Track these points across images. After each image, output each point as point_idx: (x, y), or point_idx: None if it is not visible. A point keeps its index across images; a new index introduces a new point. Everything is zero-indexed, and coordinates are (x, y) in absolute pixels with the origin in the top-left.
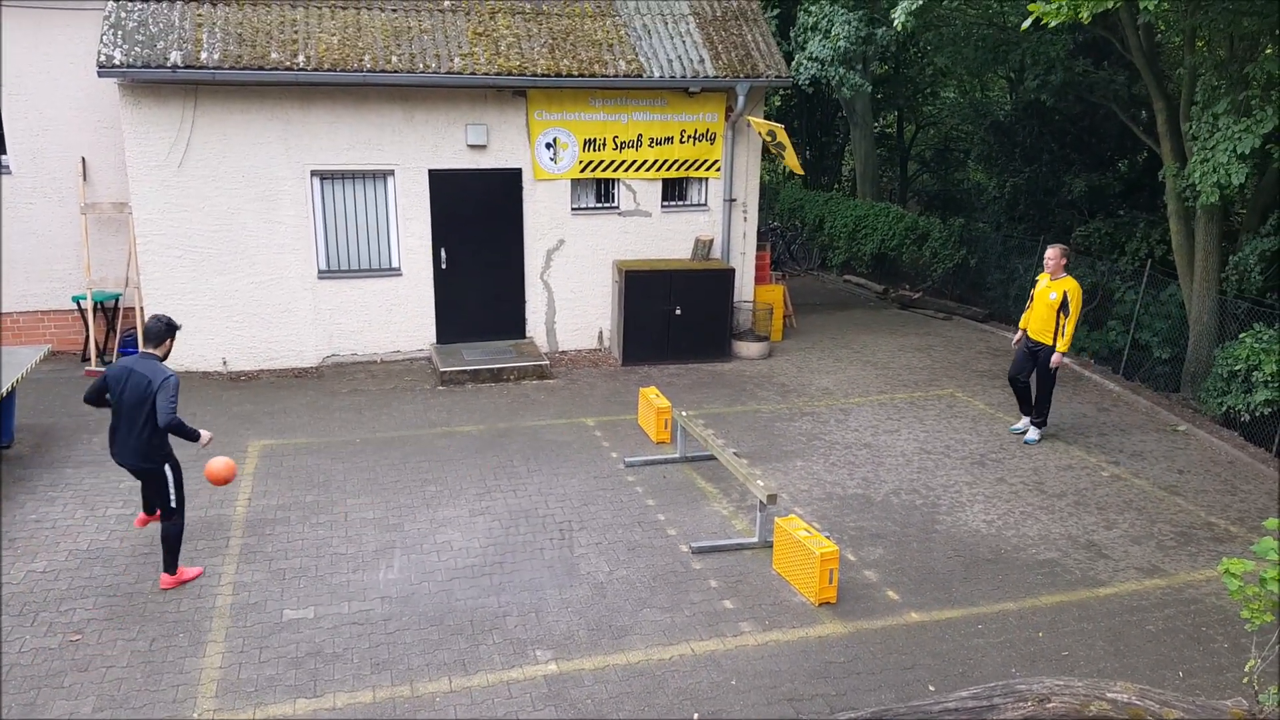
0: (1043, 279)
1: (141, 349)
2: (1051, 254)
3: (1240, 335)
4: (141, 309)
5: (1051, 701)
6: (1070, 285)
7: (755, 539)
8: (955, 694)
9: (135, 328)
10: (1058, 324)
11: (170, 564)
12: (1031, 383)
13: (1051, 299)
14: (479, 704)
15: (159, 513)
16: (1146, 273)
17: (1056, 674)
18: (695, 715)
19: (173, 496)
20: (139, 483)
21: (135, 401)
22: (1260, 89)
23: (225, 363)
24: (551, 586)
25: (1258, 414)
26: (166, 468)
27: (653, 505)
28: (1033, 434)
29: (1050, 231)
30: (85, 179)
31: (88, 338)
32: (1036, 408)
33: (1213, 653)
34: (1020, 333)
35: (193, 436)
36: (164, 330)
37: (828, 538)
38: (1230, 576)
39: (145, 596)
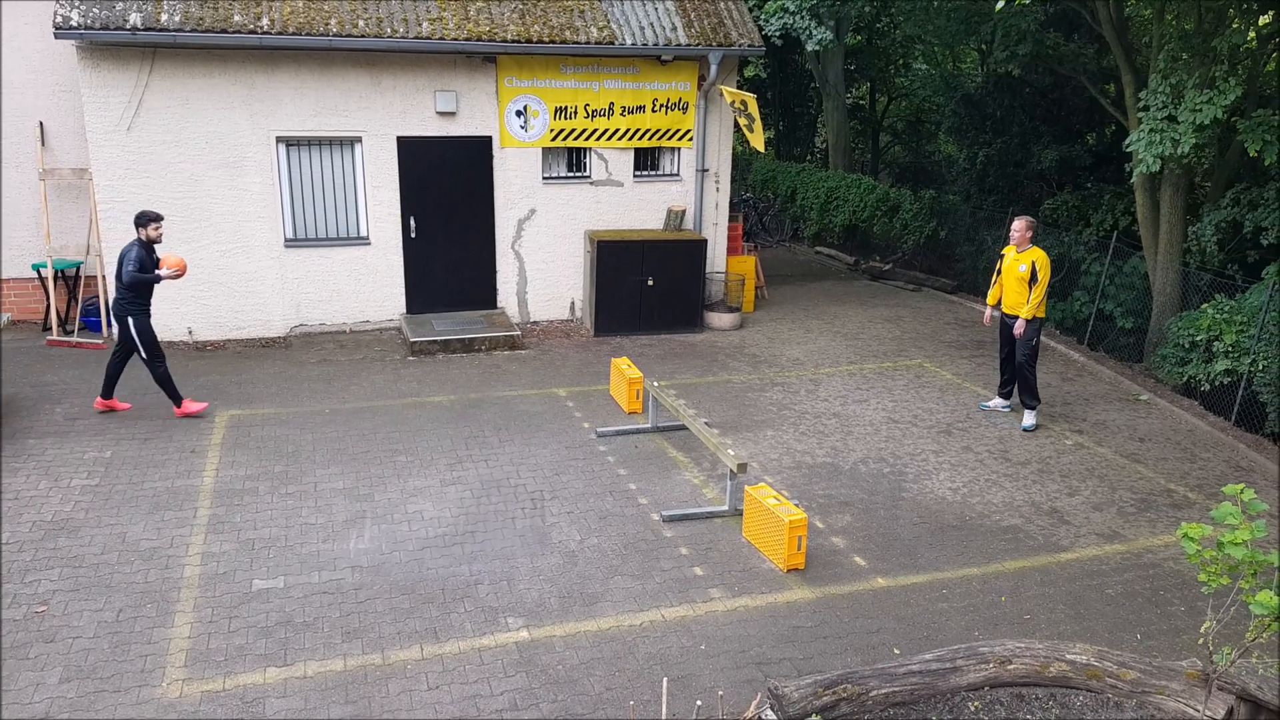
0: (1009, 252)
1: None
2: (1018, 226)
3: (1202, 306)
4: (103, 277)
5: (1013, 663)
6: (1038, 255)
7: (725, 507)
8: (919, 656)
9: (97, 296)
10: (1030, 295)
11: (175, 399)
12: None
13: (1021, 271)
14: (450, 671)
15: (115, 401)
16: (1112, 244)
17: (1018, 637)
18: (665, 680)
19: (139, 345)
20: (104, 454)
21: (116, 270)
22: (1226, 61)
23: (191, 332)
24: (523, 555)
25: (1217, 383)
26: (129, 320)
27: (624, 474)
28: (1029, 419)
29: (1019, 203)
30: (44, 144)
31: (49, 307)
32: (1023, 389)
33: (1170, 615)
34: (989, 310)
35: (154, 279)
36: (138, 219)
37: (797, 505)
38: (1188, 541)
39: (111, 567)
